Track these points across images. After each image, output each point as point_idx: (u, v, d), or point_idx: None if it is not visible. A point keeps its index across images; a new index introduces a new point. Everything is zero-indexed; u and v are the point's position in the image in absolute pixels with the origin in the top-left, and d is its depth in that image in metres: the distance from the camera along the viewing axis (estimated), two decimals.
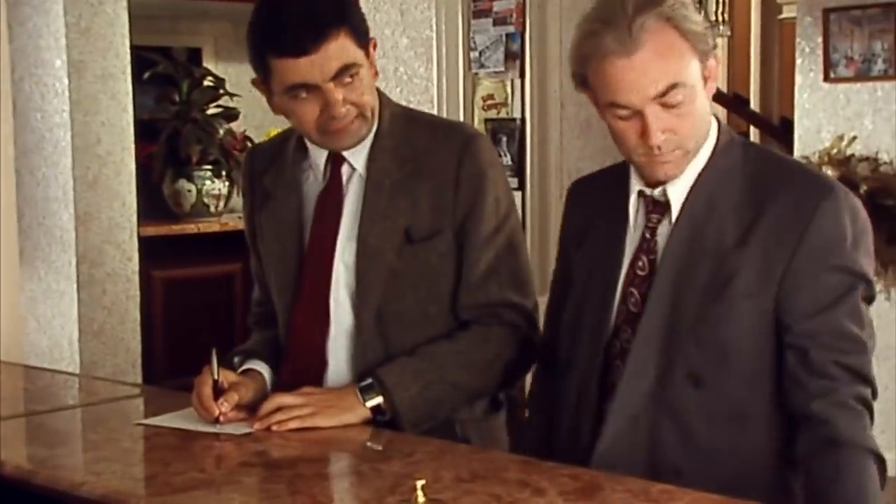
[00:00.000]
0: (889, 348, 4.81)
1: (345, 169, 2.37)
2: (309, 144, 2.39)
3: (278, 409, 2.22)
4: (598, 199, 2.18)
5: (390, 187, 2.32)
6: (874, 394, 1.97)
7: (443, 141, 2.35)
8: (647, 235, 2.06)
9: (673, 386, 1.99)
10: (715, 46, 2.03)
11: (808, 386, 1.94)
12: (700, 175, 2.03)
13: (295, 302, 2.39)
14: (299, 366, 2.38)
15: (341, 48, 2.21)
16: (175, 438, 2.21)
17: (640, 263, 2.06)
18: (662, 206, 2.05)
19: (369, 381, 2.26)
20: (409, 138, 2.36)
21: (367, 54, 2.28)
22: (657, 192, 2.04)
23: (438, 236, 2.32)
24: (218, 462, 2.10)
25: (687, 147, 1.99)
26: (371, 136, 2.35)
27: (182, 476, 2.00)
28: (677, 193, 2.03)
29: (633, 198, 2.08)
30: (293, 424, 2.20)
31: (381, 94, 2.39)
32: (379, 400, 2.24)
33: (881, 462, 1.92)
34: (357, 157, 2.36)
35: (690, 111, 1.96)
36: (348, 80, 2.23)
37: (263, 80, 2.29)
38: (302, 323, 2.39)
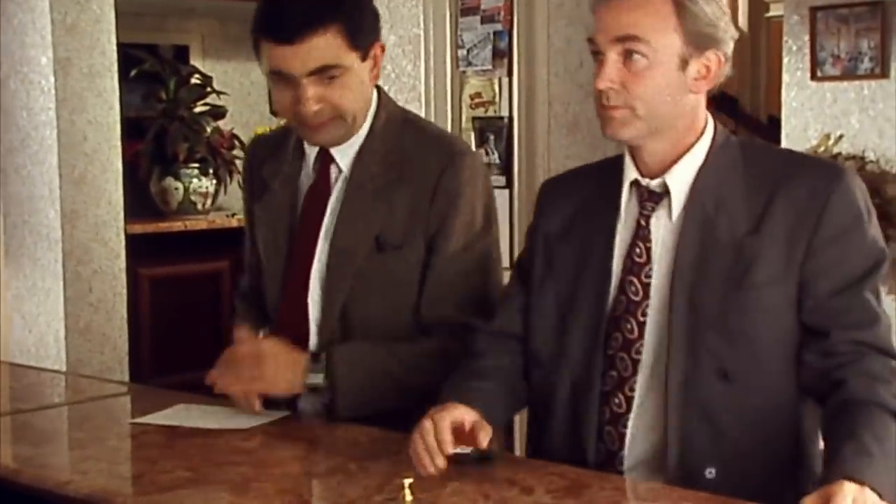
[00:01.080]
0: None
1: (333, 168, 2.38)
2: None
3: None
4: (582, 194, 2.17)
5: (372, 191, 2.32)
6: None
7: (431, 151, 2.35)
8: (642, 223, 2.05)
9: (701, 383, 1.97)
10: (721, 49, 2.00)
11: (828, 366, 1.94)
12: (701, 169, 2.04)
13: (281, 297, 2.41)
14: None
15: (326, 46, 2.20)
16: (162, 436, 2.21)
17: (637, 251, 2.05)
18: (657, 196, 2.05)
19: (321, 361, 2.27)
20: (400, 144, 2.35)
21: (365, 56, 2.27)
22: (654, 182, 2.04)
23: (409, 247, 2.32)
24: (205, 460, 2.09)
25: (636, 109, 1.98)
26: (362, 136, 2.35)
27: (169, 474, 1.99)
28: (677, 184, 2.03)
29: (625, 187, 2.08)
30: (235, 390, 2.24)
31: (382, 95, 2.40)
32: (319, 380, 2.26)
33: None
34: (344, 158, 2.36)
35: (647, 75, 1.96)
36: (328, 80, 2.23)
37: (257, 56, 2.31)
38: (286, 319, 2.40)
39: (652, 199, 2.06)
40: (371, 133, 2.36)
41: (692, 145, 2.04)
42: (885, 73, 4.72)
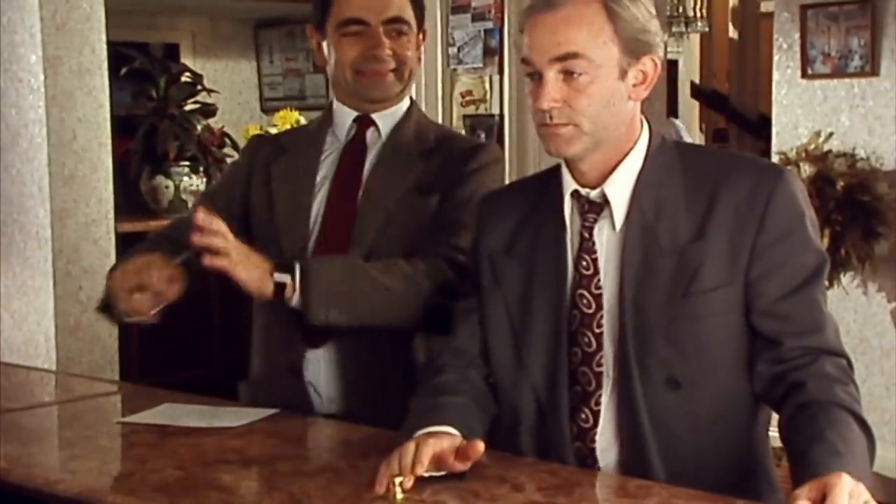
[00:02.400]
0: (865, 342, 4.83)
1: (370, 133, 2.50)
2: (336, 106, 2.53)
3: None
4: (523, 208, 2.14)
5: (406, 156, 2.46)
6: (850, 365, 1.96)
7: (457, 140, 2.60)
8: (586, 235, 2.03)
9: (652, 392, 1.96)
10: (656, 53, 1.99)
11: (782, 371, 1.94)
12: (639, 176, 2.02)
13: (316, 245, 2.43)
14: None
15: (402, 2, 2.43)
16: (152, 435, 2.21)
17: (584, 263, 2.03)
18: (598, 206, 2.03)
19: (290, 261, 2.27)
20: (428, 133, 2.53)
21: (419, 29, 2.48)
22: (594, 193, 2.02)
23: (431, 196, 2.42)
24: (195, 459, 2.09)
25: (581, 125, 1.96)
26: (403, 108, 2.51)
27: (159, 474, 1.99)
28: (616, 193, 2.01)
29: (567, 199, 2.06)
30: (222, 263, 2.19)
31: (413, 103, 2.58)
32: (286, 278, 2.24)
33: (865, 427, 1.85)
34: (385, 122, 2.50)
35: (590, 91, 1.94)
36: (396, 34, 2.42)
37: (318, 25, 2.50)
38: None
39: (593, 209, 2.03)
40: (408, 112, 2.53)
41: (628, 152, 2.03)
42: (875, 71, 4.73)
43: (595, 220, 2.03)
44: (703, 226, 1.96)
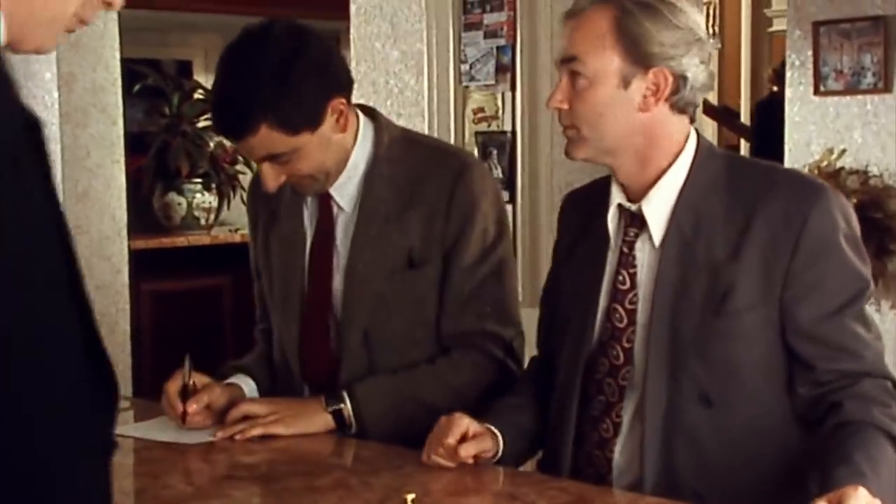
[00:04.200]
0: None
1: (334, 206, 2.37)
2: None
3: (244, 418, 2.24)
4: (584, 215, 2.17)
5: (384, 216, 2.32)
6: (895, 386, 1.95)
7: (438, 168, 2.33)
8: (625, 250, 2.05)
9: (684, 408, 1.96)
10: (671, 66, 1.96)
11: (822, 393, 1.93)
12: (682, 191, 2.01)
13: (301, 331, 2.41)
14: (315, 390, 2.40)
15: (262, 143, 2.19)
16: (164, 452, 2.21)
17: (621, 278, 2.04)
18: (640, 221, 2.03)
19: (339, 392, 2.28)
20: (407, 164, 2.35)
21: (317, 126, 2.21)
22: (635, 206, 2.03)
23: (428, 265, 2.32)
24: (207, 475, 2.09)
25: (581, 130, 2.00)
26: (360, 169, 2.34)
27: (171, 490, 1.99)
28: (652, 209, 2.01)
29: (612, 210, 2.07)
30: (255, 432, 2.22)
31: (377, 118, 2.39)
32: (341, 406, 2.26)
33: None
34: (342, 193, 2.35)
35: (587, 96, 1.97)
36: (280, 164, 2.23)
37: None
38: (309, 356, 2.41)
39: (634, 224, 2.05)
40: (375, 159, 2.34)
41: (668, 168, 2.02)
42: (887, 88, 4.72)
43: (637, 235, 2.04)
44: (738, 244, 1.95)
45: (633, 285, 2.03)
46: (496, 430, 2.06)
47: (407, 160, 2.35)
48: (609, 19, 1.96)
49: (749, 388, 1.96)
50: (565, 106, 2.00)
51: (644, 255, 2.03)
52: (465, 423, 2.03)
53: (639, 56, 1.96)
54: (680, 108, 2.01)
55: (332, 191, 2.34)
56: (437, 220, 2.31)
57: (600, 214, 2.09)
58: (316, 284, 2.39)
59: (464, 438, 2.01)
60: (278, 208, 2.44)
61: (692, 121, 2.06)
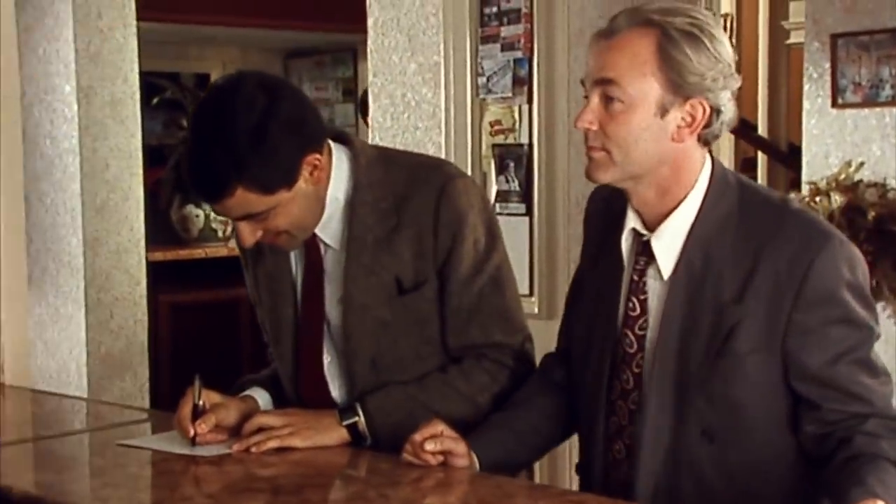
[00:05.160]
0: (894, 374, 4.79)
1: (319, 241, 2.35)
2: None
3: (259, 430, 2.24)
4: (607, 224, 2.15)
5: (373, 243, 2.30)
6: None
7: (420, 186, 2.31)
8: (636, 277, 2.04)
9: (688, 443, 1.96)
10: (708, 98, 1.94)
11: (830, 431, 1.92)
12: (693, 226, 1.99)
13: (296, 367, 2.41)
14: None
15: (238, 204, 2.18)
16: (181, 463, 2.21)
17: (631, 304, 2.04)
18: (650, 251, 2.02)
19: (351, 404, 2.29)
20: (388, 186, 2.32)
21: (292, 183, 2.19)
22: (647, 236, 2.02)
23: (425, 285, 2.31)
24: (225, 488, 2.09)
25: (612, 153, 1.96)
26: (341, 198, 2.31)
27: (189, 502, 1.99)
28: (663, 244, 2.00)
29: (626, 233, 2.06)
30: (271, 444, 2.22)
31: (350, 143, 2.36)
32: (355, 419, 2.26)
33: None
34: (326, 231, 2.33)
35: (622, 120, 1.94)
36: (255, 221, 2.22)
37: None
38: (308, 394, 2.41)
39: (645, 253, 2.03)
40: (356, 186, 2.31)
41: (683, 199, 2.00)
42: None
43: (647, 264, 2.03)
44: (744, 287, 1.93)
45: (644, 311, 2.03)
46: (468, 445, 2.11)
47: (387, 182, 2.32)
48: (652, 44, 1.92)
49: (752, 427, 1.96)
50: (595, 127, 1.97)
51: (654, 283, 2.03)
52: (439, 427, 2.08)
53: (679, 86, 1.93)
54: (706, 140, 2.00)
55: (317, 231, 2.33)
56: (426, 238, 2.29)
57: (620, 227, 2.08)
58: (309, 321, 2.38)
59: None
60: (262, 245, 2.39)
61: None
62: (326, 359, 2.38)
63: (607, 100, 1.95)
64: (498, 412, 2.25)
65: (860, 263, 1.97)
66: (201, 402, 2.29)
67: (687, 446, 1.96)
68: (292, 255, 2.39)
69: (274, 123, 2.14)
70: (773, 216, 1.98)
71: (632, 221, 2.05)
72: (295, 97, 2.23)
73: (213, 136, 2.15)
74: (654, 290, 2.02)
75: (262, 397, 2.42)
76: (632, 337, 2.04)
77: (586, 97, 2.00)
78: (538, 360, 2.37)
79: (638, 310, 2.03)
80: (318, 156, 2.23)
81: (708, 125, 1.96)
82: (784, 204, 2.04)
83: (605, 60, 1.95)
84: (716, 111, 1.96)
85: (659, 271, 2.01)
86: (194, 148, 2.19)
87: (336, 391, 2.38)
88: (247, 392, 2.43)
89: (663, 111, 1.94)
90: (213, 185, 2.16)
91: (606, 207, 2.18)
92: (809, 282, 1.90)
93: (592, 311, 2.13)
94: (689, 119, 1.95)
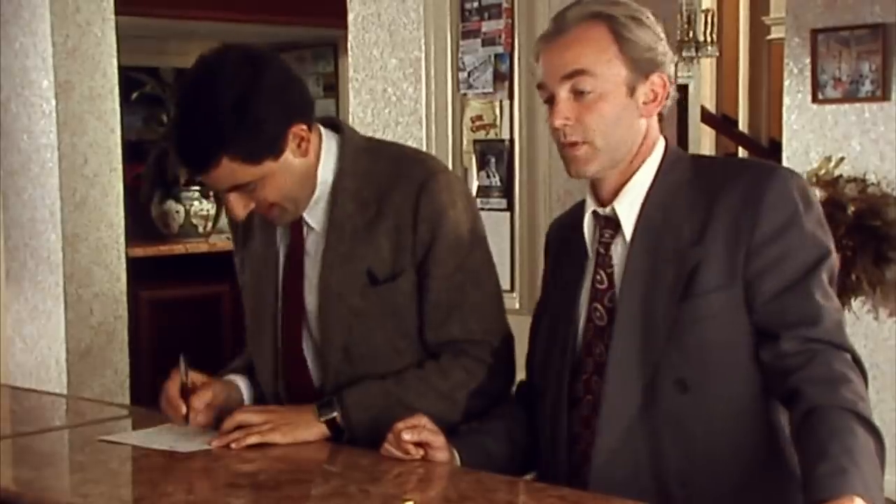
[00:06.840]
0: (876, 367, 4.82)
1: (304, 226, 2.36)
2: None
3: (239, 427, 2.24)
4: (564, 237, 2.23)
5: (352, 232, 2.31)
6: (856, 360, 1.96)
7: (403, 179, 2.31)
8: (602, 251, 2.09)
9: (663, 395, 1.99)
10: (664, 71, 2.06)
11: (783, 367, 1.95)
12: (649, 191, 2.07)
13: (276, 350, 2.41)
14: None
15: (226, 172, 2.18)
16: (163, 459, 2.20)
17: (599, 277, 2.09)
18: (614, 223, 2.09)
19: (329, 398, 2.29)
20: (371, 176, 2.32)
21: (279, 154, 2.20)
22: (607, 210, 2.09)
23: (401, 276, 2.31)
24: (206, 484, 2.09)
25: (594, 143, 2.03)
26: (327, 187, 2.32)
27: (170, 498, 1.98)
28: (625, 210, 2.07)
29: (587, 218, 2.13)
30: (251, 440, 2.22)
31: (340, 130, 2.37)
32: (334, 415, 2.26)
33: (871, 428, 1.85)
34: (312, 214, 2.34)
35: (599, 107, 2.01)
36: (245, 193, 2.22)
37: None
38: (292, 378, 2.41)
39: (609, 226, 2.10)
40: (341, 172, 2.32)
41: (638, 168, 2.09)
42: (886, 96, 4.73)
43: (612, 236, 2.09)
44: (702, 231, 2.00)
45: (611, 284, 2.07)
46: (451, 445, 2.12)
47: (372, 172, 2.33)
48: (607, 32, 2.02)
49: (723, 370, 1.99)
50: (572, 122, 2.03)
51: (618, 254, 2.08)
52: (422, 420, 2.11)
53: (639, 63, 2.03)
54: (662, 112, 2.10)
55: (304, 212, 2.33)
56: (405, 232, 2.29)
57: (577, 228, 2.15)
58: (289, 304, 2.39)
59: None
60: (252, 224, 2.43)
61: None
62: (305, 344, 2.38)
63: (577, 94, 2.02)
64: (475, 422, 2.28)
65: (811, 192, 2.06)
66: (189, 381, 2.30)
67: (662, 399, 1.98)
68: (279, 237, 2.39)
69: (258, 93, 2.15)
70: (724, 168, 2.13)
71: (591, 206, 2.12)
72: (280, 68, 2.23)
73: (197, 107, 2.16)
74: (620, 258, 2.07)
75: (242, 381, 2.45)
76: (602, 310, 2.08)
77: (548, 101, 2.06)
78: (518, 357, 2.38)
79: (606, 282, 2.08)
80: (304, 126, 2.23)
81: (667, 97, 2.07)
82: (734, 159, 2.19)
83: (568, 56, 2.02)
84: (672, 82, 2.07)
85: (624, 236, 2.07)
86: (180, 119, 2.21)
87: (314, 377, 2.38)
88: (227, 378, 2.45)
89: (632, 90, 2.04)
90: (199, 155, 2.17)
91: (561, 230, 2.27)
92: (763, 211, 1.97)
93: (555, 313, 2.17)
94: (651, 95, 2.06)
